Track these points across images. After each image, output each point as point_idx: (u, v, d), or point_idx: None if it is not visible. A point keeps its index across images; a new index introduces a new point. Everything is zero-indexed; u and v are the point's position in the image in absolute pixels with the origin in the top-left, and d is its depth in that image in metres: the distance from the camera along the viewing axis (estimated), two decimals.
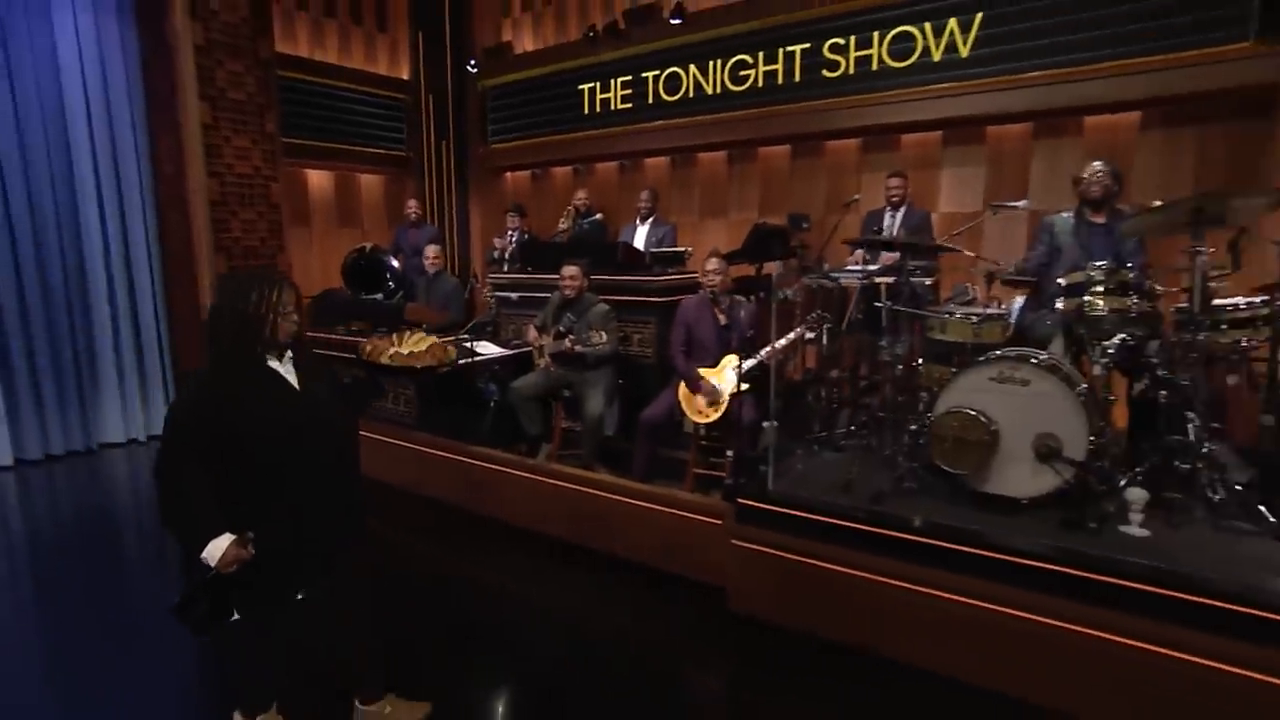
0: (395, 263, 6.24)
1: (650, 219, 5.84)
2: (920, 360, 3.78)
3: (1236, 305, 3.02)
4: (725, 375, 3.94)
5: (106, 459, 5.77)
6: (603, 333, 4.08)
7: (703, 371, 3.99)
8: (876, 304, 3.84)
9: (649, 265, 4.90)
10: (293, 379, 2.05)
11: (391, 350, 2.37)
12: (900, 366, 3.62)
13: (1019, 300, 3.89)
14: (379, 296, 5.89)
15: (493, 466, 4.37)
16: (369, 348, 2.36)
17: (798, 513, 3.11)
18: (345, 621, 2.31)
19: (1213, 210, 2.82)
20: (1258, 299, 2.99)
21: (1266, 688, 2.25)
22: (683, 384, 4.02)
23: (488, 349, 4.95)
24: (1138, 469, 2.96)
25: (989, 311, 3.48)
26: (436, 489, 4.66)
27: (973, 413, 2.97)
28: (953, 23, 5.05)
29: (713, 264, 3.99)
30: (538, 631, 3.20)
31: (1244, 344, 3.06)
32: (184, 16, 5.66)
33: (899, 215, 5.01)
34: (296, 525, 2.00)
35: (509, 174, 8.20)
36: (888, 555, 2.90)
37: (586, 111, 6.96)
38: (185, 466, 1.89)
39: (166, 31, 5.71)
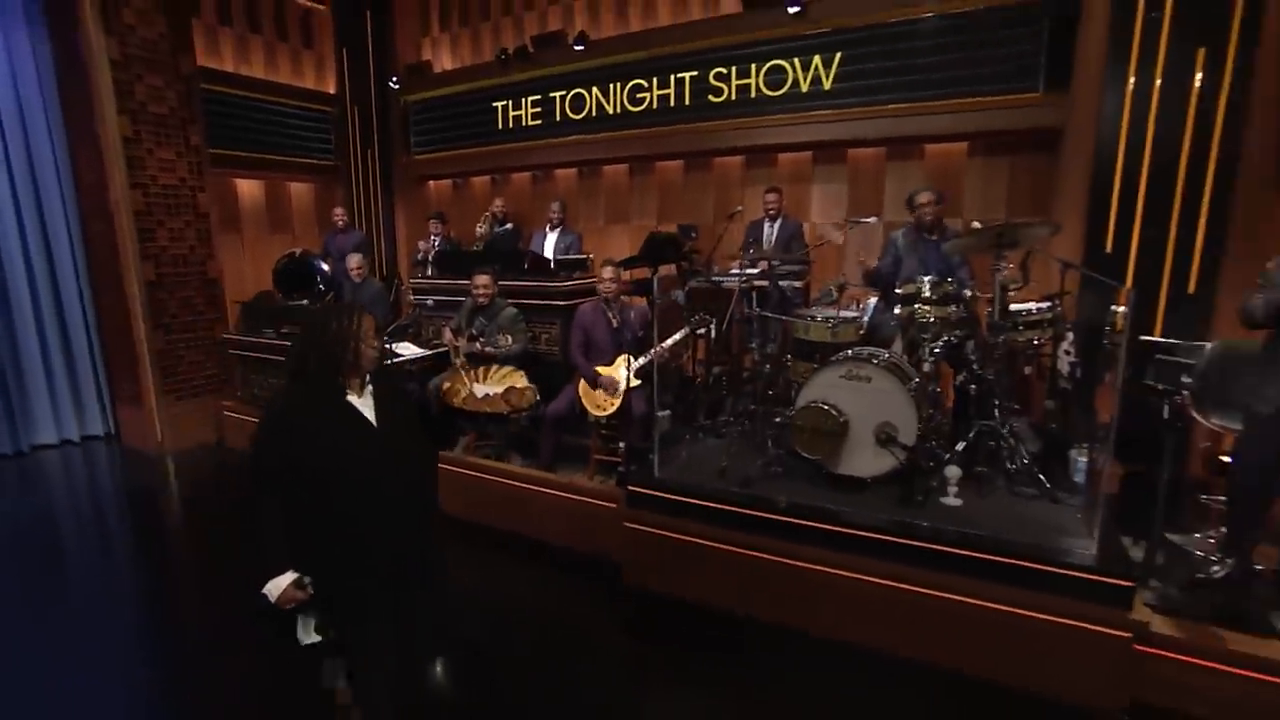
0: (325, 266, 5.87)
1: (559, 228, 5.70)
2: (789, 357, 3.86)
3: (1029, 310, 3.22)
4: (620, 372, 3.90)
5: (40, 460, 5.26)
6: (509, 335, 3.94)
7: (601, 369, 3.94)
8: (749, 310, 3.88)
9: (555, 271, 4.78)
10: (370, 413, 1.80)
11: (465, 393, 2.11)
12: (770, 364, 3.67)
13: (873, 300, 4.03)
14: (308, 300, 5.54)
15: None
16: (446, 386, 2.09)
17: (679, 497, 3.14)
18: (405, 668, 1.97)
19: (1009, 236, 2.99)
20: (1044, 305, 3.19)
21: (1050, 625, 2.42)
22: (583, 380, 3.96)
23: (409, 349, 4.73)
24: (956, 448, 3.12)
25: (844, 315, 3.58)
26: None
27: (826, 406, 3.06)
28: (817, 59, 5.11)
29: (607, 273, 3.93)
30: (461, 609, 3.13)
31: (1036, 342, 3.27)
32: (97, 31, 5.04)
33: (776, 226, 5.08)
34: (364, 564, 1.76)
35: (432, 182, 7.82)
36: (756, 532, 2.98)
37: (501, 126, 6.70)
38: (263, 496, 1.71)
39: (80, 44, 5.07)
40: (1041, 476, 2.99)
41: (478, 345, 4.16)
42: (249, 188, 7.05)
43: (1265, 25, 3.43)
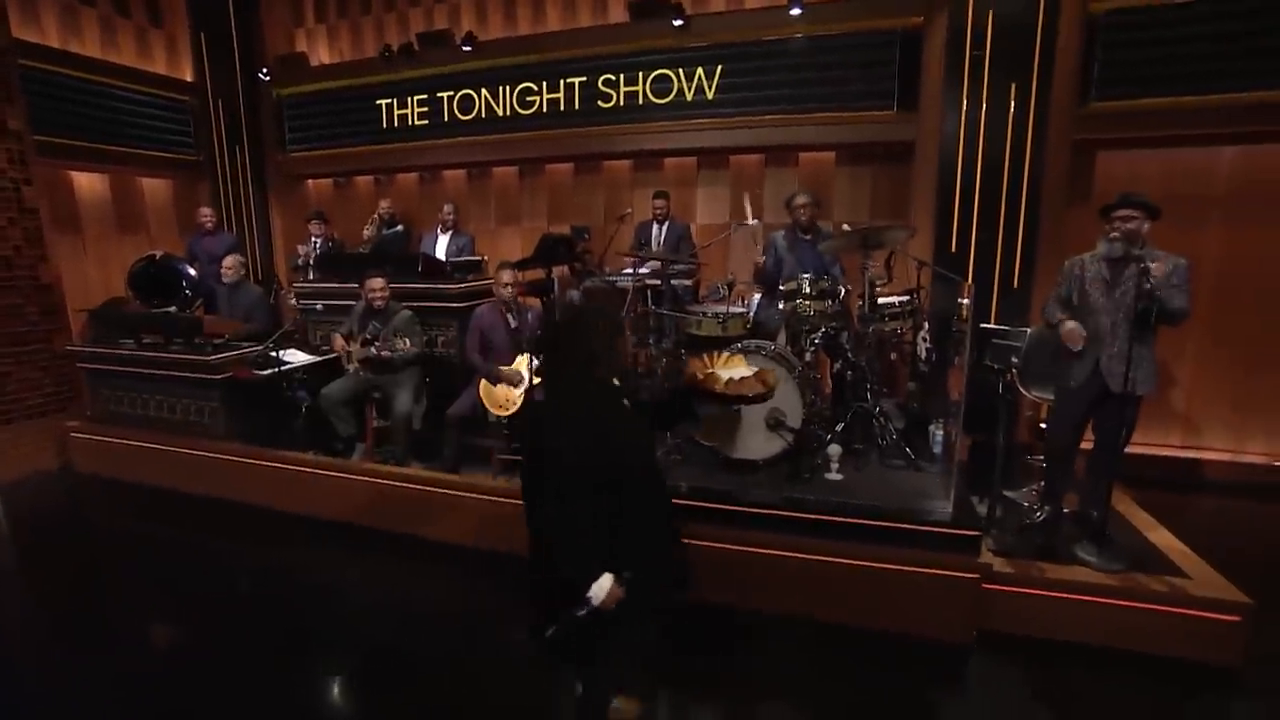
0: (192, 271, 5.34)
1: (452, 230, 5.58)
2: (684, 352, 4.04)
3: (893, 304, 3.62)
4: (520, 372, 3.91)
5: None
6: (406, 339, 3.84)
7: (500, 369, 3.92)
8: (643, 307, 4.03)
9: (450, 274, 4.69)
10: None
11: (726, 378, 2.07)
12: (666, 358, 3.84)
13: (757, 297, 4.32)
14: (173, 307, 5.00)
15: (309, 469, 4.00)
16: (690, 372, 2.06)
17: None
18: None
19: (874, 238, 3.36)
20: (905, 298, 3.61)
21: (916, 576, 2.76)
22: (483, 380, 3.93)
23: (296, 356, 4.44)
24: (836, 428, 3.45)
25: (732, 311, 3.81)
26: (253, 495, 4.14)
27: None
28: (700, 71, 5.38)
29: (506, 275, 3.92)
30: (368, 616, 3.02)
31: (899, 331, 3.68)
32: None
33: (664, 228, 5.29)
34: (657, 557, 1.81)
35: (311, 181, 7.32)
36: None
37: (386, 125, 6.41)
38: (581, 502, 1.67)
39: None
40: (908, 449, 3.38)
41: (372, 350, 4.02)
42: (90, 182, 6.23)
43: (1055, 68, 4.09)
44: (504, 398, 3.91)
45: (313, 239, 5.83)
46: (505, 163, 6.41)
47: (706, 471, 3.33)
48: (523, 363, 3.89)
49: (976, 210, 4.37)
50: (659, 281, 4.59)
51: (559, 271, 4.64)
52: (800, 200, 4.11)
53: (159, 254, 5.30)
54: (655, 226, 5.32)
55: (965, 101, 4.31)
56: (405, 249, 5.67)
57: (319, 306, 4.88)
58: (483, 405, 3.95)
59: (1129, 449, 2.92)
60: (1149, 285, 2.58)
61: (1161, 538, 3.12)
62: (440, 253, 5.40)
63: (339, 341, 4.22)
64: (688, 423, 2.23)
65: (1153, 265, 2.60)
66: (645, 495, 1.82)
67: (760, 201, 5.27)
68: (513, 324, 3.99)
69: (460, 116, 6.11)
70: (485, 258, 5.16)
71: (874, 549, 2.83)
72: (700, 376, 2.16)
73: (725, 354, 2.34)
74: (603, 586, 1.69)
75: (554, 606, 1.75)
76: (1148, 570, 2.79)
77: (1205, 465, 4.48)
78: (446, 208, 5.58)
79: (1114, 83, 4.22)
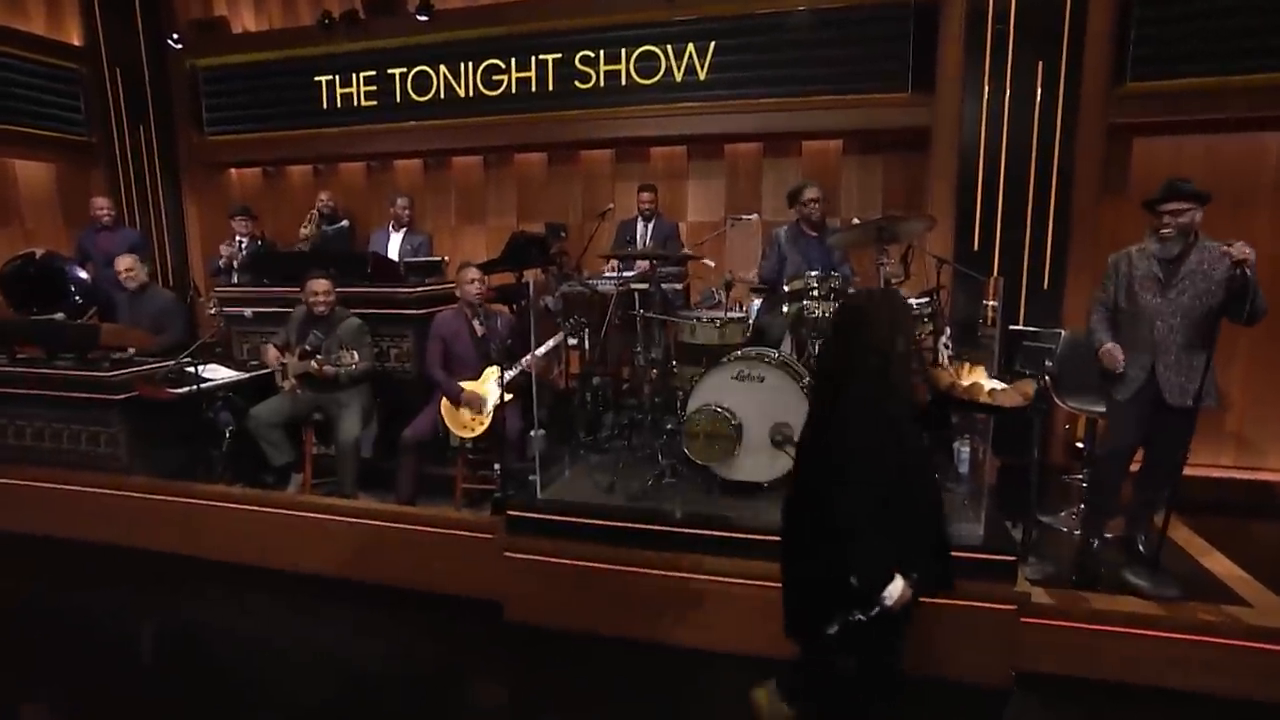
0: (83, 273, 5.34)
1: (405, 227, 5.67)
2: (675, 362, 4.15)
3: (912, 306, 3.76)
4: (488, 387, 3.98)
5: None
6: (354, 350, 3.91)
7: (464, 384, 4.00)
8: (632, 311, 4.14)
9: (405, 276, 4.78)
10: None
11: (989, 388, 2.34)
12: (655, 369, 3.94)
13: (758, 302, 4.46)
14: (60, 315, 4.97)
15: (235, 505, 4.00)
16: (944, 381, 2.36)
17: (566, 518, 3.28)
18: None
19: (890, 230, 3.52)
20: (923, 300, 3.76)
21: (946, 607, 2.85)
22: (445, 398, 3.99)
23: (219, 373, 4.47)
24: None
25: (730, 315, 3.94)
26: (164, 540, 4.11)
27: (718, 409, 3.36)
28: (691, 47, 5.59)
29: (470, 274, 4.02)
30: (309, 676, 3.02)
31: (919, 336, 3.82)
32: None
33: (650, 226, 5.44)
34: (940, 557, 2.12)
35: (235, 170, 7.37)
36: (653, 548, 3.18)
37: (326, 106, 6.51)
38: (874, 504, 1.91)
39: None
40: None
41: (313, 364, 4.06)
42: None
43: (1087, 45, 4.35)
44: (468, 419, 3.98)
45: (237, 238, 5.87)
46: (468, 151, 6.55)
47: (703, 495, 3.43)
48: (491, 375, 3.96)
49: (1001, 204, 4.60)
50: (646, 285, 4.71)
51: (532, 275, 4.76)
52: (811, 193, 4.28)
53: (39, 252, 5.22)
54: (641, 223, 5.47)
55: (987, 82, 4.57)
56: (352, 248, 5.73)
57: (247, 314, 4.91)
58: (444, 427, 4.02)
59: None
60: (1241, 273, 2.67)
61: (1218, 563, 3.27)
62: (392, 252, 5.49)
63: (272, 354, 4.26)
64: (940, 430, 2.66)
65: (1234, 247, 2.67)
66: (928, 495, 2.13)
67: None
68: (479, 330, 4.07)
69: (415, 97, 6.24)
70: (445, 259, 5.25)
71: None
72: (959, 386, 2.44)
73: (967, 363, 2.58)
74: (897, 589, 1.95)
75: (830, 605, 2.03)
76: (1204, 598, 2.93)
77: (1262, 486, 4.70)
78: (400, 202, 5.68)
79: (1151, 61, 4.48)
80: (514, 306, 4.60)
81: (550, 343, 4.11)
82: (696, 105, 5.64)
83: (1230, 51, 4.33)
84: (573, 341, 4.40)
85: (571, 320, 4.14)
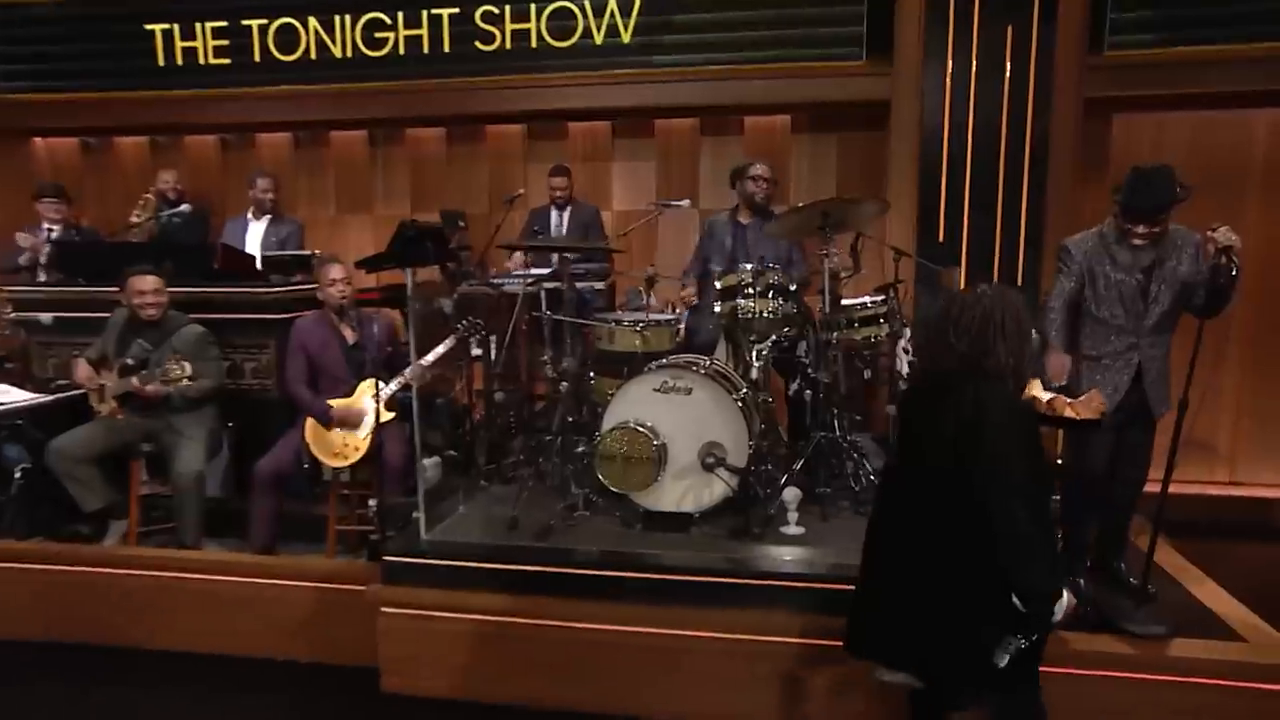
0: None
1: (269, 215, 5.55)
2: (592, 374, 4.16)
3: (864, 304, 3.88)
4: (364, 403, 3.92)
5: None
6: (185, 364, 3.79)
7: (335, 403, 3.93)
8: (536, 314, 4.14)
9: (265, 273, 4.69)
10: None
11: (1069, 401, 2.53)
12: (567, 382, 3.93)
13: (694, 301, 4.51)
14: None
15: (29, 566, 3.84)
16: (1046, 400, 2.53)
17: (454, 562, 3.26)
18: None
19: (836, 215, 3.62)
20: (878, 298, 3.88)
21: None
22: (310, 421, 3.92)
23: (9, 394, 4.29)
24: (794, 467, 3.63)
25: (655, 318, 3.97)
26: None
27: (638, 427, 3.38)
28: (612, 4, 5.64)
29: (332, 272, 3.96)
30: None
31: (873, 340, 3.94)
32: None
33: (565, 215, 5.46)
34: None
35: (41, 140, 6.98)
36: (563, 596, 3.17)
37: (164, 62, 6.25)
38: (1041, 514, 2.09)
39: None
40: None
41: (134, 381, 3.92)
42: None
43: (1060, 6, 4.57)
44: (341, 444, 3.91)
45: (44, 225, 5.59)
46: (349, 124, 6.45)
47: (623, 530, 3.45)
48: (366, 390, 3.90)
49: (968, 188, 4.77)
50: (560, 283, 4.71)
51: (426, 274, 4.71)
52: (758, 170, 4.37)
53: None
54: (555, 212, 5.48)
55: (951, 49, 4.74)
56: (201, 238, 5.56)
57: (45, 320, 4.70)
58: (311, 456, 3.94)
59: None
60: (1228, 262, 2.79)
61: (1210, 593, 3.43)
62: (252, 245, 5.38)
63: (84, 370, 4.11)
64: None
65: (1217, 233, 2.82)
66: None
67: None
68: (350, 339, 4.01)
69: (279, 56, 6.10)
70: (318, 253, 5.13)
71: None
72: (1040, 401, 2.58)
73: (1035, 379, 2.67)
74: (1064, 604, 2.07)
75: (991, 631, 2.10)
76: (1195, 633, 3.05)
77: (1255, 504, 4.97)
78: (261, 184, 5.56)
79: (1132, 28, 4.74)
80: (405, 311, 4.55)
81: (440, 348, 4.06)
82: (621, 73, 5.69)
83: (1217, 18, 4.63)
84: (477, 351, 4.36)
85: (465, 323, 4.09)
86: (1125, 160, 4.68)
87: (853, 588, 2.99)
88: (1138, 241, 3.04)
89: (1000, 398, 2.12)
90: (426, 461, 4.28)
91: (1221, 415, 5.11)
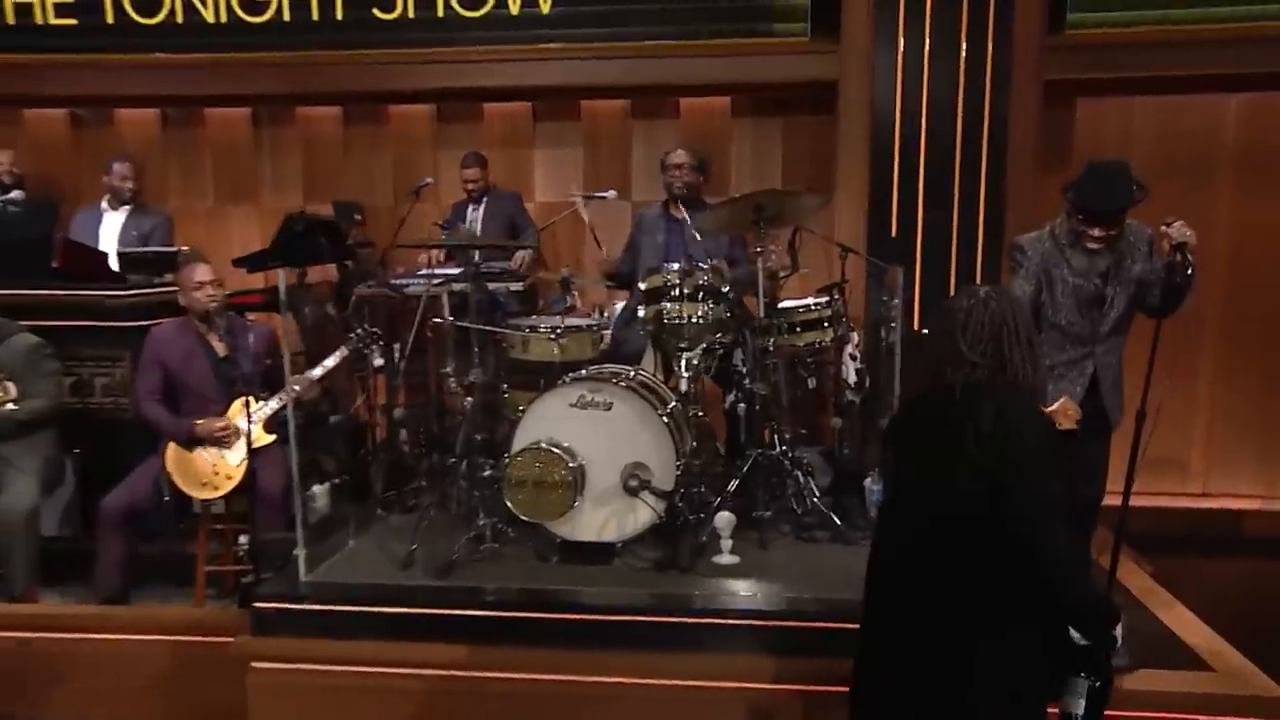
0: None
1: (128, 205, 5.35)
2: (506, 387, 4.07)
3: (806, 307, 3.88)
4: (238, 422, 3.82)
5: None
6: (8, 384, 3.68)
7: (201, 422, 3.82)
8: (437, 319, 4.07)
9: (120, 273, 4.57)
10: None
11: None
12: (473, 397, 3.85)
13: (619, 305, 4.46)
14: None
15: None
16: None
17: (337, 607, 3.18)
18: None
19: (772, 209, 3.61)
20: (821, 300, 3.87)
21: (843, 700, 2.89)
22: (172, 446, 3.79)
23: None
24: (728, 489, 3.59)
25: (572, 323, 3.90)
26: None
27: (551, 448, 3.31)
28: None
29: (197, 274, 3.84)
30: None
31: (818, 346, 3.93)
32: None
33: (481, 207, 5.40)
34: None
35: None
36: (466, 642, 3.10)
37: None
38: (1065, 525, 2.00)
39: None
40: (834, 515, 3.60)
41: None
42: None
43: None
44: (209, 470, 3.79)
45: None
46: (227, 101, 6.29)
47: (537, 564, 3.42)
48: (237, 410, 3.77)
49: (922, 178, 4.84)
50: (470, 285, 4.62)
51: (318, 274, 4.59)
52: (677, 158, 4.35)
53: None
54: (471, 207, 5.42)
55: (903, 25, 4.81)
56: (46, 232, 5.31)
57: None
58: (172, 487, 3.82)
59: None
60: (1183, 259, 2.84)
61: (1178, 617, 3.50)
62: (107, 240, 5.21)
63: None
64: None
65: (1173, 227, 2.87)
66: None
67: None
68: (220, 350, 3.90)
69: (138, 19, 5.87)
70: (186, 250, 4.97)
71: (786, 664, 2.94)
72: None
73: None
74: (1119, 631, 2.10)
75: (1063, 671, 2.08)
76: (1161, 663, 3.10)
77: (1228, 517, 5.13)
78: (118, 169, 5.36)
79: (1095, 5, 4.87)
80: (299, 315, 4.45)
81: (329, 360, 3.95)
82: (542, 49, 5.65)
83: None
84: (379, 362, 4.25)
85: (359, 332, 3.98)
86: (1089, 148, 4.83)
87: (793, 624, 3.02)
88: (1093, 245, 3.08)
89: (1025, 411, 2.08)
90: (316, 489, 4.20)
91: (1195, 418, 5.25)
